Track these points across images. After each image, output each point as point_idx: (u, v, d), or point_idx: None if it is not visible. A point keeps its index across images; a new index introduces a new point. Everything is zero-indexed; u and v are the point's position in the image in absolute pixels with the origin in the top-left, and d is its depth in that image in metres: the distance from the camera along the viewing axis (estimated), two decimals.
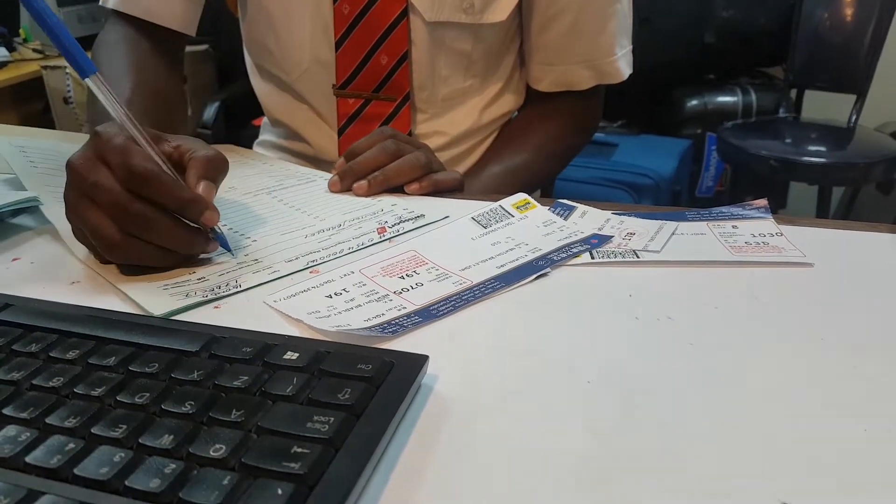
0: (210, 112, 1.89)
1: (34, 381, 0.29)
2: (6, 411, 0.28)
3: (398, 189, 0.57)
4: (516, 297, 0.41)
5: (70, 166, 0.42)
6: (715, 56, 1.89)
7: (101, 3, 0.69)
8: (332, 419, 0.27)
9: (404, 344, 0.36)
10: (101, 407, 0.28)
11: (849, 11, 1.84)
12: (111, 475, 0.24)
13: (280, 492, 0.23)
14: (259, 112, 0.84)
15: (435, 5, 0.65)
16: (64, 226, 0.45)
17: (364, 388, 0.29)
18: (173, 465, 0.25)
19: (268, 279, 0.43)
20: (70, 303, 0.38)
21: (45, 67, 2.06)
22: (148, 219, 0.41)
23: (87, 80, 0.41)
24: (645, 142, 1.76)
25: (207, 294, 0.41)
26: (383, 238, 0.49)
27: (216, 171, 0.45)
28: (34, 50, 2.15)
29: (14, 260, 0.46)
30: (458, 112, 0.73)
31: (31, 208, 0.51)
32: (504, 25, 0.69)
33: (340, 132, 0.72)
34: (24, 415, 0.27)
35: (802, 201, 1.97)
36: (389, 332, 0.37)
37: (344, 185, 0.56)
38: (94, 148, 0.42)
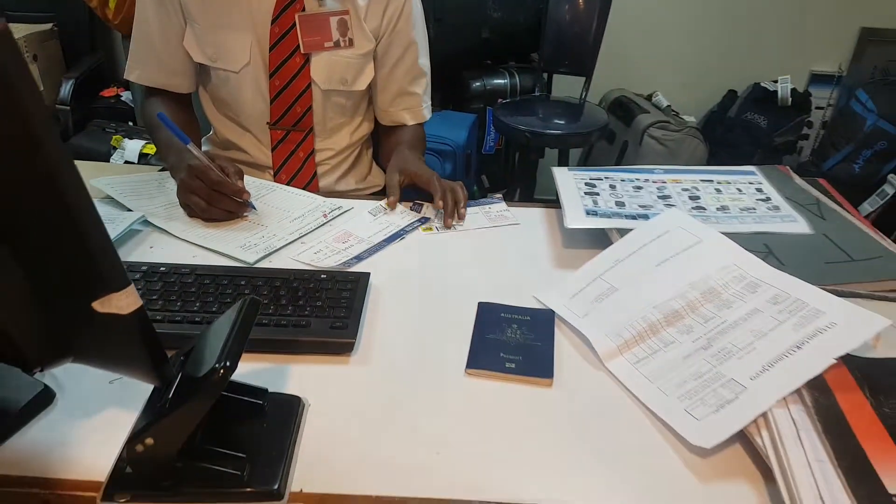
0: (66, 90, 2.06)
1: (189, 290, 0.77)
2: (193, 299, 0.76)
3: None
4: (398, 248, 0.95)
5: (181, 179, 0.93)
6: (490, 47, 2.48)
7: (125, 76, 1.14)
8: (349, 296, 0.79)
9: (355, 268, 0.88)
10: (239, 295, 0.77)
11: (581, 8, 2.47)
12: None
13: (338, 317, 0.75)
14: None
15: (326, 81, 1.15)
16: (172, 226, 0.92)
17: (354, 287, 0.80)
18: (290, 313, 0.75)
19: (295, 237, 0.94)
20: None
21: None
22: (219, 198, 0.93)
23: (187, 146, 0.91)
24: (442, 116, 2.31)
25: (268, 247, 0.91)
26: (326, 221, 1.00)
27: (240, 175, 0.98)
28: None
29: (151, 248, 0.90)
30: (338, 136, 1.24)
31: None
32: (364, 90, 1.21)
33: (273, 149, 1.20)
34: (199, 302, 0.75)
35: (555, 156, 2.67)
36: (348, 265, 0.89)
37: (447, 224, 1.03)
38: (189, 171, 0.92)
